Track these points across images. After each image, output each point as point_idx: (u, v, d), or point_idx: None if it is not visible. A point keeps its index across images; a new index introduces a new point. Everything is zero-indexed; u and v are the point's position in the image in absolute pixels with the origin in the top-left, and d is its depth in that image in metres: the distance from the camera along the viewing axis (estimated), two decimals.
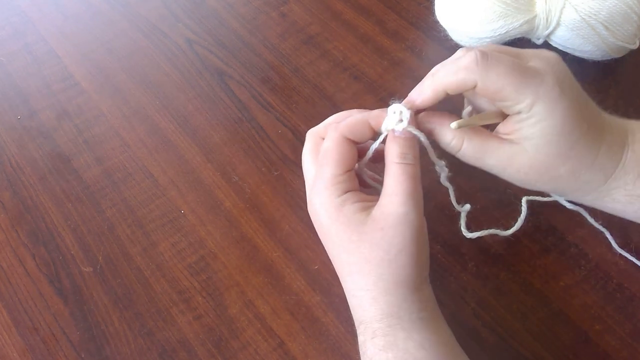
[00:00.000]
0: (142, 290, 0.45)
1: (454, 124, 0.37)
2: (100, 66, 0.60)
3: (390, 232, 0.35)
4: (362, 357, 0.37)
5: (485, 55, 0.35)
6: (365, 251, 0.36)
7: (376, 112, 0.38)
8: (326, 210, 0.37)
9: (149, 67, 0.59)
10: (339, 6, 0.63)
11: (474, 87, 0.35)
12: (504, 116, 0.38)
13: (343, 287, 0.39)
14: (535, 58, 0.37)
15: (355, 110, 0.40)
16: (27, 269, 0.47)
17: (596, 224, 0.45)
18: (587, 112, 0.37)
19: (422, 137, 0.37)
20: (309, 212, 0.40)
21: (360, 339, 0.37)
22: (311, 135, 0.42)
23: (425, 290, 0.38)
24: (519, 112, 0.36)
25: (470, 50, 0.36)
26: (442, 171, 0.41)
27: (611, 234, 0.45)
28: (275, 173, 0.51)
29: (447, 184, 0.41)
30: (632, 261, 0.44)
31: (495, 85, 0.35)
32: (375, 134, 0.38)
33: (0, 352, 0.43)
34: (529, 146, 0.37)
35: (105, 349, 0.43)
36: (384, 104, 0.54)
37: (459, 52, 0.37)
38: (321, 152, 0.39)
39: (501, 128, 0.38)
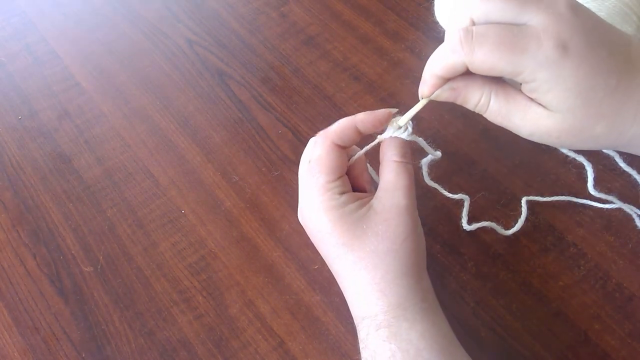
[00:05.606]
0: (142, 290, 0.46)
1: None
2: (101, 66, 0.60)
3: (394, 222, 0.37)
4: (362, 352, 0.37)
5: (469, 34, 0.32)
6: (372, 244, 0.37)
7: (361, 115, 0.39)
8: (326, 213, 0.38)
9: (149, 68, 0.59)
10: (339, 7, 0.63)
11: (466, 68, 0.33)
12: None
13: (343, 287, 0.39)
14: (533, 11, 0.32)
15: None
16: (27, 269, 0.47)
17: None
18: (613, 60, 0.32)
19: (421, 141, 0.41)
20: (304, 219, 0.40)
21: (362, 334, 0.37)
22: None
23: (425, 282, 0.39)
24: (526, 82, 0.33)
25: (455, 30, 0.33)
26: (424, 167, 0.44)
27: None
28: (275, 173, 0.51)
29: (432, 183, 0.44)
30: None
31: (485, 64, 0.32)
32: (362, 137, 0.40)
33: (1, 351, 0.43)
34: (554, 110, 0.33)
35: (106, 349, 0.43)
36: (383, 104, 0.55)
37: (448, 33, 0.34)
38: (314, 160, 0.40)
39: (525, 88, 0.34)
